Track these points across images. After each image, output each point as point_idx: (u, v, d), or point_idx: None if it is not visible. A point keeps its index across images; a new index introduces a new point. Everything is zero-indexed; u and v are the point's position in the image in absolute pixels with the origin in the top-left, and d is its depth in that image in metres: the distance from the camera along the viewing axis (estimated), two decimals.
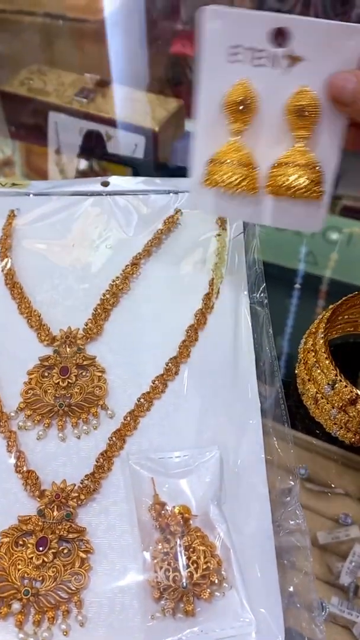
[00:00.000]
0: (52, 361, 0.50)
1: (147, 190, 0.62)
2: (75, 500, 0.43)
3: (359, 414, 0.46)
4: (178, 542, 0.40)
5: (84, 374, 0.49)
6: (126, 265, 0.57)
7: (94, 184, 0.63)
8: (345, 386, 0.46)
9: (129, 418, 0.47)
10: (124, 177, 0.63)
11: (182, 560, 0.39)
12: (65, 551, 0.41)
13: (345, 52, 0.41)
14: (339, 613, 0.44)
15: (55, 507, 0.42)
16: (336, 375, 0.47)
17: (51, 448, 0.46)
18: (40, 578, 0.39)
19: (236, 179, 0.43)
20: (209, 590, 0.39)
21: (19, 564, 0.40)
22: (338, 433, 0.49)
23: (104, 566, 0.41)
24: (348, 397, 0.46)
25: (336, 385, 0.47)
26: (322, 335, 0.49)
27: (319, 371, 0.48)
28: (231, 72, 0.43)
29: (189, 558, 0.39)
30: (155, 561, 0.40)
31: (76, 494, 0.43)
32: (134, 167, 0.82)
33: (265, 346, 0.52)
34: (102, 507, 0.43)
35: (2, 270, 0.56)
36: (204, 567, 0.39)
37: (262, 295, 0.55)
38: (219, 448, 0.45)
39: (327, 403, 0.48)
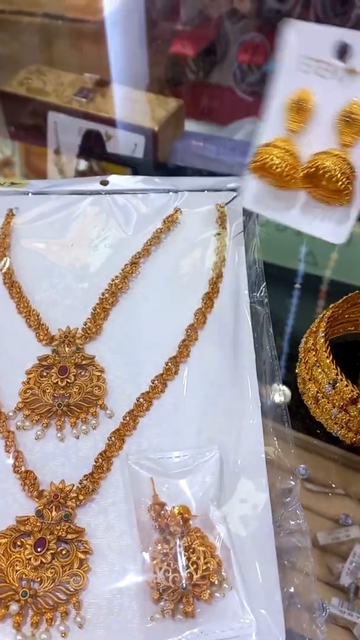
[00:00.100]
0: (50, 361, 0.50)
1: (146, 189, 0.62)
2: (74, 500, 0.42)
3: (359, 413, 0.46)
4: (178, 542, 0.40)
5: (82, 373, 0.49)
6: (125, 265, 0.56)
7: (93, 183, 0.62)
8: (346, 385, 0.46)
9: (128, 418, 0.47)
10: (123, 176, 0.63)
11: (181, 561, 0.39)
12: (64, 552, 0.40)
13: None
14: (340, 614, 0.43)
15: (54, 507, 0.42)
16: (337, 374, 0.46)
17: (50, 448, 0.46)
18: (39, 579, 0.39)
19: (280, 161, 0.48)
20: (208, 591, 0.39)
21: (17, 565, 0.40)
22: (339, 433, 0.49)
23: (103, 567, 0.40)
24: (349, 396, 0.46)
25: (337, 384, 0.46)
26: (323, 334, 0.49)
27: (319, 370, 0.48)
28: (299, 79, 0.48)
29: (188, 559, 0.39)
30: (155, 562, 0.39)
31: (75, 495, 0.43)
32: (134, 167, 0.82)
33: (265, 345, 0.52)
34: (101, 508, 0.43)
35: (1, 270, 0.56)
36: (204, 567, 0.39)
37: (262, 294, 0.55)
38: (218, 448, 0.45)
39: (328, 402, 0.48)
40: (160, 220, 0.60)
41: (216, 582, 0.39)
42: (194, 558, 0.39)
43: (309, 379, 0.50)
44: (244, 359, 0.50)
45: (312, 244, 0.71)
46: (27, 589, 0.39)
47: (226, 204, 0.61)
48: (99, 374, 0.49)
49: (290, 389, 0.53)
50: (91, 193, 0.62)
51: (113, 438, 0.46)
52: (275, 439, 0.47)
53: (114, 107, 0.86)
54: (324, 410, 0.49)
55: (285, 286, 0.64)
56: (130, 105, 0.86)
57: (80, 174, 0.85)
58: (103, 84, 0.88)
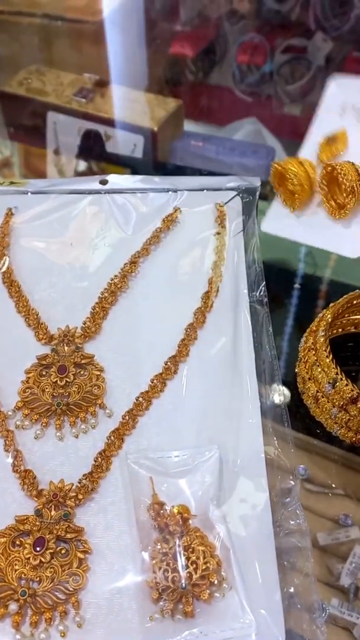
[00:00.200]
0: (50, 360, 0.49)
1: (145, 188, 0.62)
2: (73, 500, 0.42)
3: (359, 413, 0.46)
4: (177, 542, 0.39)
5: (82, 372, 0.49)
6: (125, 264, 0.56)
7: (92, 183, 0.62)
8: (346, 384, 0.46)
9: (127, 417, 0.47)
10: (122, 175, 0.63)
11: (181, 561, 0.39)
12: (63, 551, 0.40)
13: None
14: (339, 614, 0.43)
15: (53, 506, 0.42)
16: (337, 373, 0.46)
17: (49, 447, 0.46)
18: (38, 579, 0.39)
19: (297, 170, 0.58)
20: (208, 591, 0.38)
21: (16, 565, 0.39)
22: (339, 432, 0.49)
23: (102, 566, 0.40)
24: (349, 395, 0.46)
25: (337, 383, 0.46)
26: (323, 334, 0.48)
27: (319, 370, 0.48)
28: (336, 121, 0.59)
29: (188, 558, 0.39)
30: (154, 561, 0.39)
31: (74, 494, 0.43)
32: (133, 168, 0.82)
33: (265, 345, 0.52)
34: (101, 507, 0.43)
35: (0, 269, 0.56)
36: (204, 567, 0.39)
37: (261, 294, 0.55)
38: (218, 447, 0.45)
39: (328, 402, 0.48)
40: (160, 219, 0.60)
41: (216, 582, 0.39)
42: (194, 558, 0.39)
43: (309, 379, 0.50)
44: (244, 359, 0.50)
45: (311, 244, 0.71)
46: (26, 588, 0.38)
47: (225, 203, 0.61)
48: (98, 373, 0.49)
49: (290, 389, 0.53)
50: (90, 192, 0.62)
51: (112, 437, 0.46)
52: (275, 438, 0.47)
53: (113, 108, 0.86)
54: (324, 409, 0.48)
55: (285, 286, 0.64)
56: (130, 105, 0.86)
57: (80, 174, 0.85)
58: (102, 84, 0.88)
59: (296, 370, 0.53)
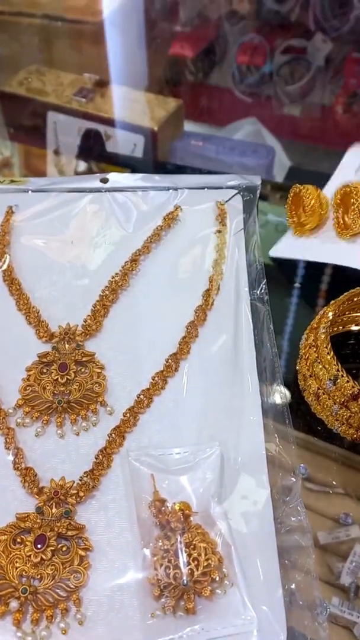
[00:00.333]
0: (50, 357, 0.49)
1: (146, 186, 0.62)
2: (74, 497, 0.42)
3: None
4: (178, 539, 0.39)
5: (83, 370, 0.49)
6: (125, 262, 0.56)
7: (92, 181, 0.62)
8: (347, 381, 0.46)
9: (128, 415, 0.47)
10: (123, 174, 0.63)
11: (182, 558, 0.39)
12: (64, 549, 0.40)
13: None
14: (340, 613, 0.43)
15: (54, 504, 0.42)
16: (338, 370, 0.46)
17: (50, 445, 0.46)
18: (39, 576, 0.39)
19: (312, 191, 0.60)
20: (210, 587, 0.38)
21: (17, 562, 0.39)
22: (340, 429, 0.48)
23: (103, 564, 0.40)
24: (350, 392, 0.46)
25: (338, 380, 0.46)
26: (324, 330, 0.48)
27: (320, 366, 0.48)
28: (351, 178, 0.64)
29: (189, 555, 0.39)
30: (155, 558, 0.39)
31: (75, 491, 0.42)
32: (133, 167, 0.82)
33: (266, 342, 0.51)
34: (102, 504, 0.43)
35: (1, 267, 0.56)
36: (205, 564, 0.38)
37: (262, 291, 0.55)
38: (219, 444, 0.45)
39: (329, 399, 0.48)
40: (161, 217, 0.60)
41: (217, 579, 0.39)
42: (195, 554, 0.39)
43: (310, 376, 0.50)
44: (245, 356, 0.50)
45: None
46: (27, 585, 0.38)
47: (226, 201, 0.61)
48: (99, 370, 0.49)
49: (290, 386, 0.53)
50: (91, 191, 0.62)
51: (113, 435, 0.46)
52: (276, 436, 0.46)
53: (113, 107, 0.86)
54: (325, 406, 0.48)
55: (285, 284, 0.64)
56: (130, 105, 0.86)
57: (79, 175, 0.85)
58: (102, 84, 0.88)
59: (297, 367, 0.53)
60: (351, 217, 0.58)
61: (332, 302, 0.52)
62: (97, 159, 0.84)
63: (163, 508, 0.41)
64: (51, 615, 0.38)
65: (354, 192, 0.57)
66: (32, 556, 0.39)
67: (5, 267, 0.56)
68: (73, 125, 0.85)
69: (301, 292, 0.62)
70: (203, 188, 0.62)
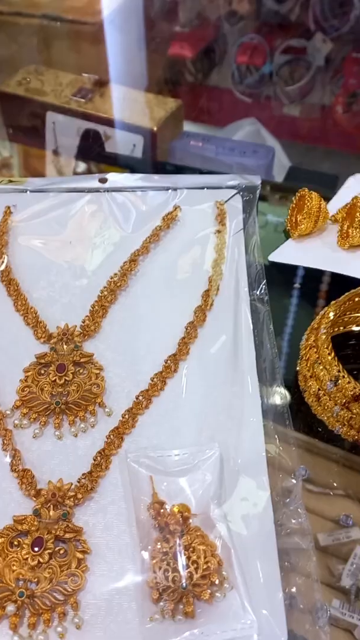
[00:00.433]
0: (48, 358, 0.49)
1: (145, 186, 0.62)
2: (72, 499, 0.42)
3: None
4: (177, 541, 0.39)
5: (81, 371, 0.49)
6: (124, 262, 0.56)
7: (91, 181, 0.62)
8: (349, 382, 0.45)
9: (127, 416, 0.46)
10: (121, 174, 0.63)
11: (181, 560, 0.38)
12: (62, 552, 0.40)
13: None
14: (340, 616, 0.42)
15: (52, 506, 0.41)
16: (339, 371, 0.46)
17: (47, 446, 0.45)
18: (36, 579, 0.38)
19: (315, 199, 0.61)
20: (209, 591, 0.38)
21: (14, 565, 0.39)
22: (340, 430, 0.48)
23: (102, 567, 0.40)
24: (351, 393, 0.45)
25: (339, 381, 0.46)
26: (324, 331, 0.48)
27: (321, 367, 0.48)
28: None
29: (188, 558, 0.38)
30: (154, 561, 0.38)
31: (73, 493, 0.42)
32: (132, 167, 0.82)
33: (265, 343, 0.51)
34: (100, 507, 0.42)
35: None
36: (204, 567, 0.38)
37: (262, 292, 0.54)
38: (219, 446, 0.44)
39: (330, 400, 0.47)
40: (160, 217, 0.59)
41: (217, 582, 0.38)
42: (194, 557, 0.38)
43: (310, 376, 0.49)
44: (244, 357, 0.50)
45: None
46: (24, 589, 0.38)
47: (226, 201, 0.60)
48: (97, 371, 0.48)
49: (291, 387, 0.52)
50: (89, 191, 0.61)
51: (112, 436, 0.45)
52: (276, 437, 0.46)
53: (112, 108, 0.85)
54: (326, 407, 0.48)
55: (285, 285, 0.64)
56: (129, 105, 0.86)
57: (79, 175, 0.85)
58: (102, 84, 0.88)
59: (297, 368, 0.52)
60: (356, 229, 0.59)
61: (333, 302, 0.51)
62: (96, 160, 0.84)
63: (162, 510, 0.40)
64: (48, 619, 0.37)
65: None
66: (29, 559, 0.39)
67: (3, 267, 0.55)
68: (72, 125, 0.84)
69: (301, 292, 0.62)
70: (202, 188, 0.62)
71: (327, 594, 0.43)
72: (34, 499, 0.42)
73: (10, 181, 0.62)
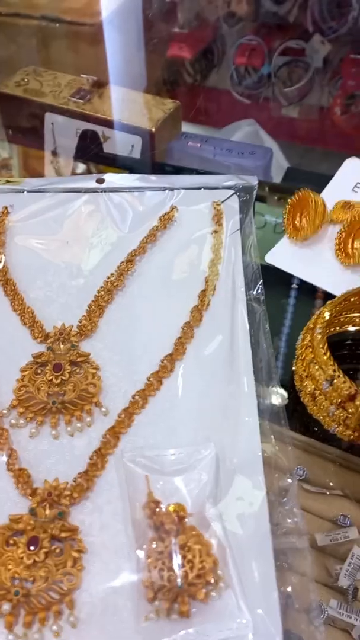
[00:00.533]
0: (45, 358, 0.49)
1: (142, 187, 0.62)
2: (68, 498, 0.42)
3: (358, 410, 0.46)
4: (173, 540, 0.39)
5: (77, 371, 0.49)
6: (121, 262, 0.56)
7: (88, 181, 0.62)
8: (344, 382, 0.45)
9: (123, 415, 0.46)
10: (119, 174, 0.63)
11: (176, 560, 0.38)
12: (57, 551, 0.40)
13: None
14: (338, 616, 0.42)
15: (48, 505, 0.41)
16: (334, 370, 0.46)
17: (44, 446, 0.45)
18: (31, 578, 0.38)
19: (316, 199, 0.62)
20: (204, 590, 0.38)
21: (9, 564, 0.39)
22: (336, 430, 0.48)
23: (97, 566, 0.40)
24: (347, 392, 0.45)
25: (334, 381, 0.46)
26: (320, 331, 0.48)
27: (316, 367, 0.48)
28: (347, 193, 0.66)
29: (184, 557, 0.38)
30: (149, 560, 0.38)
31: (69, 492, 0.42)
32: (130, 168, 0.82)
33: (262, 343, 0.51)
34: (96, 506, 0.42)
35: None
36: (200, 566, 0.38)
37: (259, 292, 0.54)
38: (214, 445, 0.44)
39: (326, 400, 0.47)
40: (157, 218, 0.59)
41: (212, 581, 0.38)
42: (190, 556, 0.38)
43: (306, 376, 0.49)
44: (241, 357, 0.50)
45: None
46: (19, 588, 0.38)
47: (223, 201, 0.61)
48: (94, 371, 0.48)
49: (287, 387, 0.52)
50: (87, 191, 0.61)
51: (108, 436, 0.45)
52: (272, 437, 0.46)
53: (111, 109, 0.85)
54: (322, 407, 0.48)
55: (282, 286, 0.64)
56: (128, 106, 0.86)
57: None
58: (100, 85, 0.88)
59: (293, 368, 0.52)
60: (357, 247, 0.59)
61: (329, 302, 0.52)
62: (95, 160, 0.84)
63: (157, 509, 0.40)
64: (44, 618, 0.37)
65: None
66: (24, 558, 0.39)
67: (0, 267, 0.56)
68: (71, 126, 0.84)
69: (298, 292, 0.62)
70: (199, 188, 0.62)
71: (324, 594, 0.43)
72: (30, 498, 0.42)
73: (8, 181, 0.62)
